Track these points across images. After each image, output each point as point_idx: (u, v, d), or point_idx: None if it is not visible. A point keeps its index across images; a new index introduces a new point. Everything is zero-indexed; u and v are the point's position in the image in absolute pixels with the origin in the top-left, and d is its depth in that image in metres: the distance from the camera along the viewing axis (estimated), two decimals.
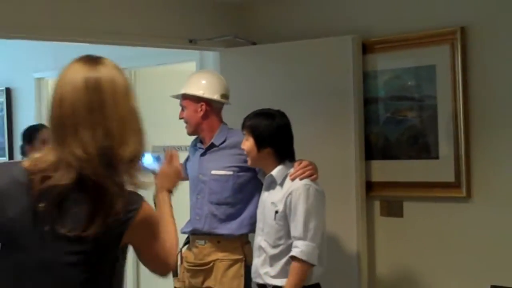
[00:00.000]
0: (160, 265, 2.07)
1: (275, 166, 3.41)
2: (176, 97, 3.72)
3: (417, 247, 3.90)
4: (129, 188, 1.87)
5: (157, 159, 2.37)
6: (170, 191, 2.29)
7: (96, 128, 1.80)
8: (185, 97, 3.67)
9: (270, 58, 4.30)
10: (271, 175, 3.41)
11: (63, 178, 1.77)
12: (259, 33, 4.50)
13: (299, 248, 3.28)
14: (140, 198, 1.91)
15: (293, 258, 3.32)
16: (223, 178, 3.60)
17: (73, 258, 1.80)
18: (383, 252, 4.04)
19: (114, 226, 1.81)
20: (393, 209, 3.99)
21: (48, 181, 1.75)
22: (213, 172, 3.61)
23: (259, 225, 3.49)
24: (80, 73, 1.83)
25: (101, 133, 1.80)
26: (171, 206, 2.24)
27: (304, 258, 3.27)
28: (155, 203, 2.24)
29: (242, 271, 3.51)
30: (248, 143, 3.43)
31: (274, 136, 3.43)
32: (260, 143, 3.40)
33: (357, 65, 3.93)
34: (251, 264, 3.49)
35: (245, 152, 3.46)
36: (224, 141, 3.64)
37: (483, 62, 3.60)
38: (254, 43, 4.44)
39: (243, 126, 3.49)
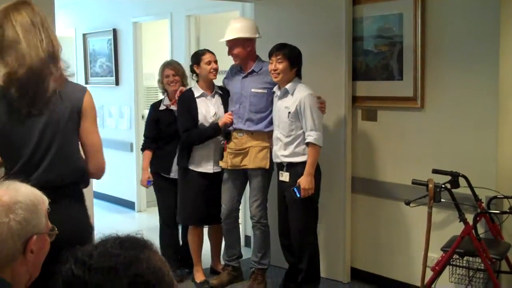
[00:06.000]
0: (96, 163, 2.37)
1: (289, 82, 4.00)
2: (227, 39, 4.23)
3: (385, 142, 4.46)
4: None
5: None
6: None
7: (43, 38, 2.19)
8: (235, 39, 4.21)
9: (287, 8, 4.82)
10: (286, 88, 3.98)
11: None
12: None
13: (312, 137, 3.88)
14: (84, 87, 2.33)
15: (309, 144, 3.89)
16: (259, 94, 4.25)
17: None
18: (362, 144, 4.60)
19: (72, 100, 2.22)
20: (370, 115, 4.54)
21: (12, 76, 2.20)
22: (253, 90, 4.26)
23: (275, 123, 4.09)
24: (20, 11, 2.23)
25: (48, 40, 2.20)
26: None
27: (317, 143, 3.90)
28: None
29: (268, 155, 4.24)
30: (283, 64, 3.93)
31: (299, 60, 4.03)
32: (292, 64, 3.98)
33: (348, 13, 4.46)
34: None
35: (278, 70, 3.95)
36: (261, 69, 4.28)
37: (435, 12, 4.05)
38: None
39: (275, 53, 3.96)
